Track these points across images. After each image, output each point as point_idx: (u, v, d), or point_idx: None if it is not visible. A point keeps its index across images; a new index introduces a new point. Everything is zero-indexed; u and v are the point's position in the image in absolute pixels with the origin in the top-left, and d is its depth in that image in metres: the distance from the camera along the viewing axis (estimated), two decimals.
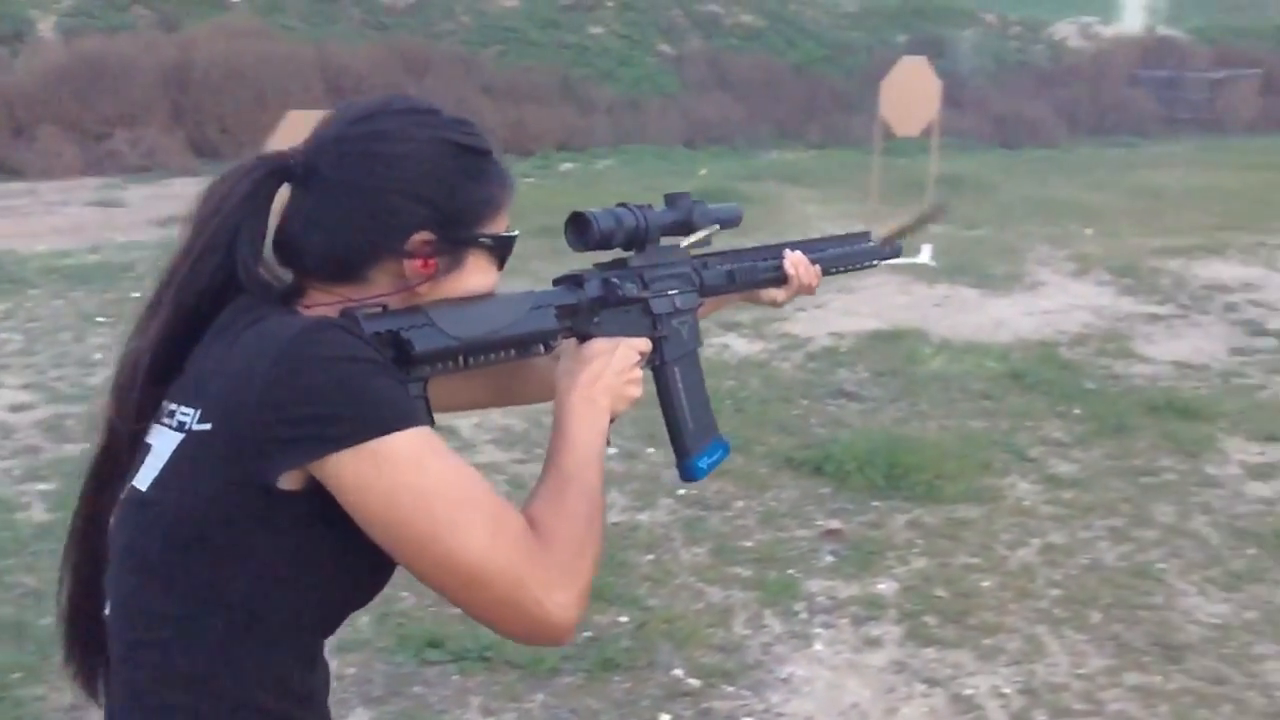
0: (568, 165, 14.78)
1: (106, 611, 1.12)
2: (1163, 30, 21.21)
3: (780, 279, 1.58)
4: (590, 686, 3.01)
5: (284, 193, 1.17)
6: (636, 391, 1.29)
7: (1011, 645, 3.24)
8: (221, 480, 1.02)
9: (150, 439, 1.10)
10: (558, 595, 1.06)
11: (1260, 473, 4.55)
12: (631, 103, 16.75)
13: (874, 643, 3.26)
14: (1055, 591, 3.56)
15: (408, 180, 1.13)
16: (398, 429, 1.02)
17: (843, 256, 1.69)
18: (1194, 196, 12.04)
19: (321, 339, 1.03)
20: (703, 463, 1.43)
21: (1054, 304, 7.56)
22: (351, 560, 1.09)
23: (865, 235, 1.75)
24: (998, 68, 19.25)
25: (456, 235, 1.16)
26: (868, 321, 6.92)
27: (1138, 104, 17.98)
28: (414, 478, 1.02)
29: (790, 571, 3.68)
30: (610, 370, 1.26)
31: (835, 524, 4.03)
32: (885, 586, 3.58)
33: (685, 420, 1.42)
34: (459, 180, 1.16)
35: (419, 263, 1.14)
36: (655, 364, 1.39)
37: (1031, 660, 3.16)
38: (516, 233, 1.22)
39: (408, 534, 1.02)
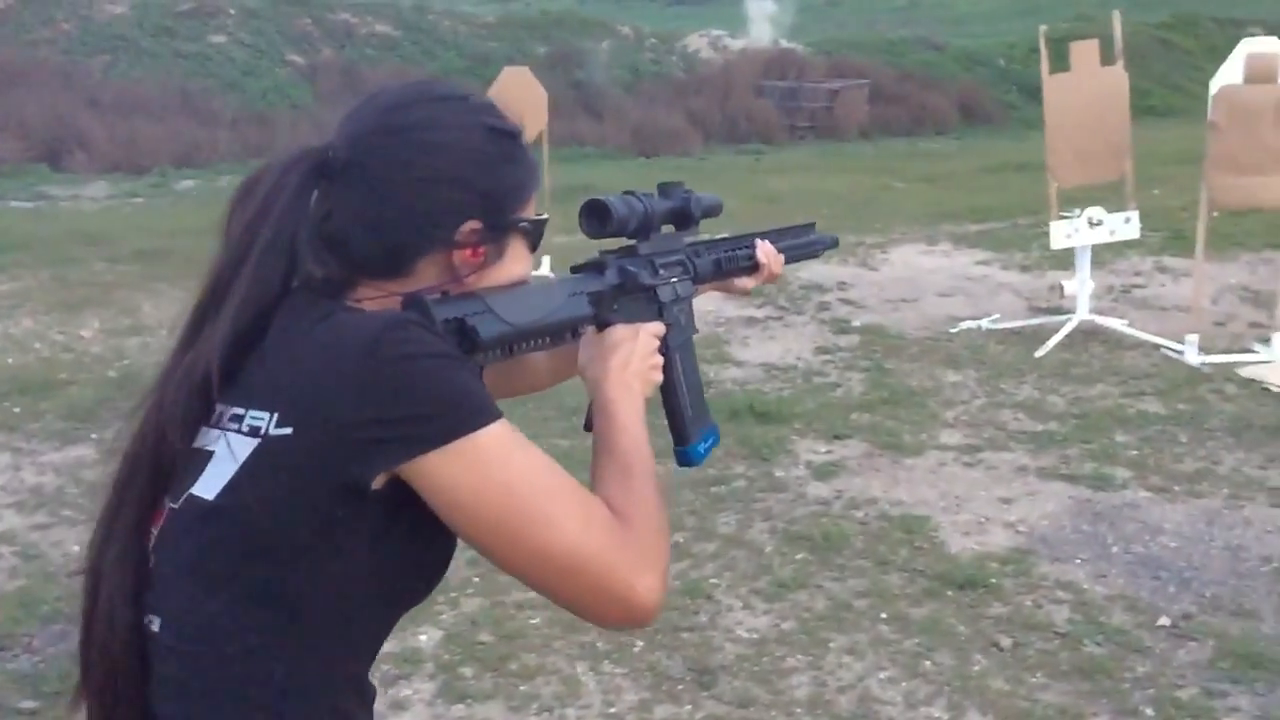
0: (188, 183, 13.78)
1: (155, 629, 1.07)
2: (785, 43, 22.53)
3: (754, 267, 1.60)
4: None
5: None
6: (659, 377, 1.31)
7: (548, 690, 3.07)
8: (307, 483, 0.99)
9: (209, 446, 1.05)
10: (646, 578, 1.06)
11: (823, 473, 4.67)
12: (259, 116, 15.84)
13: (401, 705, 3.00)
14: None
15: (454, 168, 1.11)
16: (485, 424, 1.01)
17: (798, 246, 1.74)
18: (807, 200, 12.70)
19: (406, 336, 1.00)
20: (701, 448, 1.44)
21: None
22: (422, 557, 1.09)
23: (811, 226, 1.80)
24: (634, 79, 19.74)
25: (501, 221, 1.15)
26: None
27: (763, 113, 18.90)
28: (503, 472, 1.01)
29: None
30: (637, 355, 1.26)
31: None
32: (426, 637, 3.33)
33: (685, 407, 1.42)
34: (499, 165, 1.15)
35: (468, 252, 1.13)
36: (661, 351, 1.36)
37: (565, 704, 3.00)
38: (546, 216, 1.21)
39: (500, 528, 1.02)
